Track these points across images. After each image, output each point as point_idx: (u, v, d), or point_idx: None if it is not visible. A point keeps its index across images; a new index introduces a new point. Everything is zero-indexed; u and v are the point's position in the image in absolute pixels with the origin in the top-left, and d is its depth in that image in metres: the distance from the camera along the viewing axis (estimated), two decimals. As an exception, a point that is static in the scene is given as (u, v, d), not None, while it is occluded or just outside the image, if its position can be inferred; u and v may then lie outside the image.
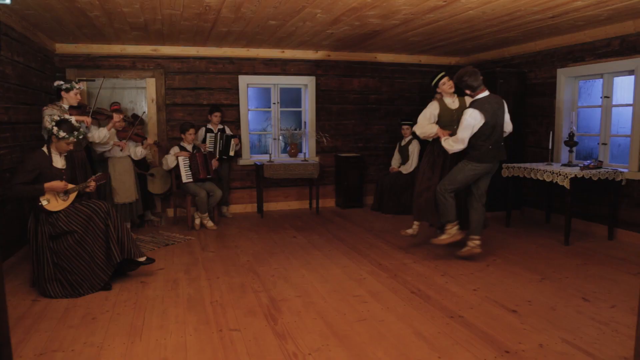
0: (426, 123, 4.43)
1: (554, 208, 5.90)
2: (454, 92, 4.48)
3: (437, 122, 4.44)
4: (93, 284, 3.54)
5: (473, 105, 4.07)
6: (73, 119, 3.69)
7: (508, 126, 4.29)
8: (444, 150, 4.36)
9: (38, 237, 3.49)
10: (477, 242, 4.26)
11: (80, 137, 3.68)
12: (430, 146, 4.59)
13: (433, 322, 3.00)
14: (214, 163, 5.81)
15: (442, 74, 4.46)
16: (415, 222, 4.75)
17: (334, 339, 2.78)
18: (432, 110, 4.45)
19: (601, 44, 5.18)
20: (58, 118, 3.58)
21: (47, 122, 4.07)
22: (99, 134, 4.67)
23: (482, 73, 6.34)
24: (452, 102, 4.48)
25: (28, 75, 4.80)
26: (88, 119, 4.50)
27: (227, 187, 6.49)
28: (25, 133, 4.62)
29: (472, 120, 4.00)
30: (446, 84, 4.42)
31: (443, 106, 4.46)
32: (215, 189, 5.67)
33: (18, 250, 4.39)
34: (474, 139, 4.08)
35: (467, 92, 4.16)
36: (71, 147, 3.67)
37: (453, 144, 4.12)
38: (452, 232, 4.25)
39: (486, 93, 4.10)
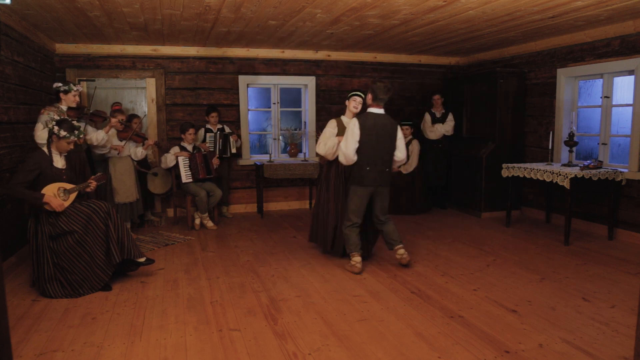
0: (326, 140, 4.28)
1: (554, 208, 5.90)
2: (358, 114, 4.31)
3: None
4: (93, 284, 3.54)
5: (357, 115, 4.02)
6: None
7: (399, 154, 4.12)
8: (339, 172, 4.30)
9: (38, 237, 3.49)
10: (402, 250, 4.10)
11: (81, 136, 3.68)
12: (327, 168, 4.43)
13: (433, 322, 3.00)
14: (215, 161, 5.81)
15: (360, 92, 4.35)
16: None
17: (334, 339, 2.78)
18: (331, 129, 4.35)
19: (601, 44, 5.18)
20: (57, 117, 3.58)
21: (39, 130, 4.07)
22: (97, 136, 4.67)
23: (482, 73, 6.39)
24: (349, 122, 4.26)
25: (28, 75, 4.80)
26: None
27: (227, 187, 6.49)
28: (25, 133, 4.62)
29: (354, 128, 3.88)
30: (356, 101, 4.29)
31: (340, 124, 4.37)
32: (215, 188, 5.67)
33: (18, 250, 4.39)
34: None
35: (367, 99, 4.04)
36: (72, 147, 3.68)
37: (341, 151, 3.99)
38: (352, 262, 4.05)
39: (380, 111, 3.98)
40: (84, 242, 3.52)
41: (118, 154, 5.08)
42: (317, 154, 4.27)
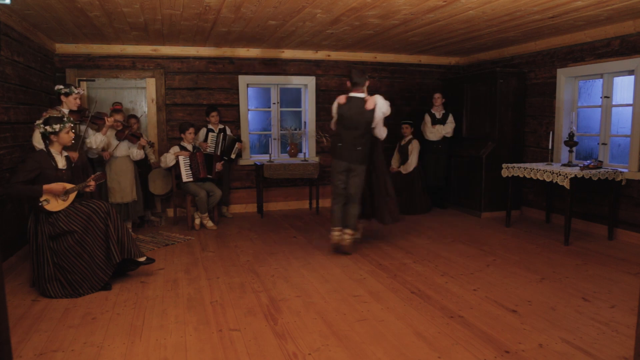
0: None
1: (554, 208, 5.90)
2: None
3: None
4: (93, 284, 3.54)
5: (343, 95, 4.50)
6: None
7: (379, 133, 4.49)
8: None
9: (38, 237, 3.49)
10: (347, 236, 4.48)
11: (71, 120, 3.69)
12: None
13: (433, 322, 3.00)
14: (218, 166, 5.84)
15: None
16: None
17: (334, 339, 2.78)
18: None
19: (601, 44, 5.18)
20: (42, 129, 3.56)
21: (37, 135, 4.02)
22: (96, 139, 4.67)
23: (482, 73, 6.39)
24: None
25: (28, 75, 4.80)
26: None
27: (227, 187, 6.49)
28: (25, 133, 4.61)
29: (333, 107, 4.47)
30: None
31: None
32: (215, 188, 5.67)
33: (18, 250, 4.39)
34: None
35: (347, 85, 4.49)
36: (73, 136, 3.68)
37: None
38: (330, 235, 4.59)
39: (357, 95, 4.39)
40: (84, 242, 3.52)
41: (105, 160, 5.04)
42: None
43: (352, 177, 4.45)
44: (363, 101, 4.36)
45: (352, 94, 4.40)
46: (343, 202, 4.52)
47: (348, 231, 4.48)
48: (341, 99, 4.44)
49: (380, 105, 4.38)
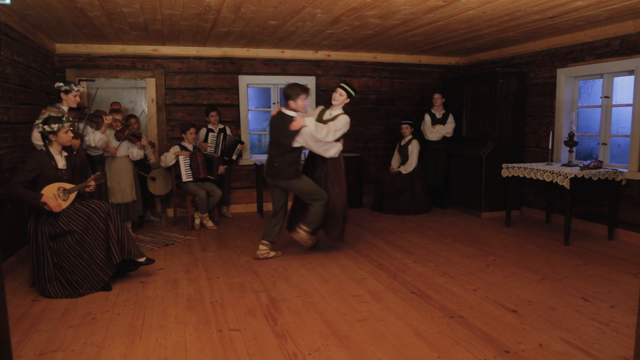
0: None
1: (554, 208, 5.90)
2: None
3: None
4: (93, 284, 3.54)
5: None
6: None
7: (317, 152, 4.30)
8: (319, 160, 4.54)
9: (38, 237, 3.49)
10: (265, 247, 4.44)
11: (70, 119, 3.68)
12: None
13: (433, 322, 3.00)
14: (221, 169, 5.84)
15: (344, 85, 4.48)
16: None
17: (334, 339, 2.78)
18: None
19: (601, 44, 5.18)
20: (41, 128, 3.56)
21: (36, 132, 4.01)
22: (94, 138, 4.67)
23: (482, 73, 6.39)
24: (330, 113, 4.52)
25: (28, 75, 4.80)
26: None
27: (228, 187, 6.49)
28: (25, 133, 4.61)
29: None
30: (336, 92, 4.46)
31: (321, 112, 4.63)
32: (214, 188, 5.66)
33: (18, 250, 4.39)
34: None
35: None
36: (72, 135, 3.67)
37: None
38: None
39: (287, 112, 4.21)
40: (84, 242, 3.52)
41: (112, 156, 5.07)
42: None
43: (294, 190, 4.35)
44: (290, 119, 4.14)
45: (284, 109, 4.26)
46: (279, 217, 4.42)
47: (304, 227, 4.37)
48: (274, 111, 4.38)
49: (311, 131, 4.10)
